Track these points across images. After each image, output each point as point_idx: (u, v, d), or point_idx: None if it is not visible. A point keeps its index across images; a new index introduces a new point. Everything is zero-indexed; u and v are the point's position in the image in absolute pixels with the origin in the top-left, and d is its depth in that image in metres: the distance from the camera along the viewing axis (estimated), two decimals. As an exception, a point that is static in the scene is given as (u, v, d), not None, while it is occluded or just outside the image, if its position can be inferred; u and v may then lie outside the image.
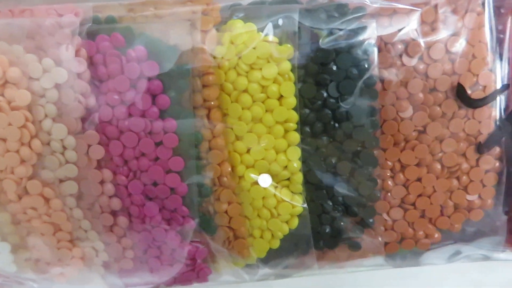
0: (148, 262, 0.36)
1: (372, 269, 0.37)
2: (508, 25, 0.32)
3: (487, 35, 0.31)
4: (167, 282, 0.38)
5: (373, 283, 0.50)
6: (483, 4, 0.31)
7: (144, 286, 0.39)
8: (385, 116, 0.32)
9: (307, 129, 0.33)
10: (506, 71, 0.32)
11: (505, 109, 0.33)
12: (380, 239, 0.35)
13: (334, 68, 0.31)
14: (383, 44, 0.31)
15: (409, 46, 0.31)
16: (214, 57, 0.31)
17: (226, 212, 0.34)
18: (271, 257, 0.36)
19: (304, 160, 0.33)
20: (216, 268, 0.37)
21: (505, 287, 0.50)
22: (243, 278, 0.38)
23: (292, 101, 0.32)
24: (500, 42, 0.32)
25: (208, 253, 0.36)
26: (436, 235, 0.35)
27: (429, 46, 0.31)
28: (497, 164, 0.33)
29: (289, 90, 0.31)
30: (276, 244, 0.36)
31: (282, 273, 0.38)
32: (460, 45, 0.31)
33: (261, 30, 0.31)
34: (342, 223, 0.34)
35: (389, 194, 0.34)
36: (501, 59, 0.32)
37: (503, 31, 0.32)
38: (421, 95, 0.32)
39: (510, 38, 0.32)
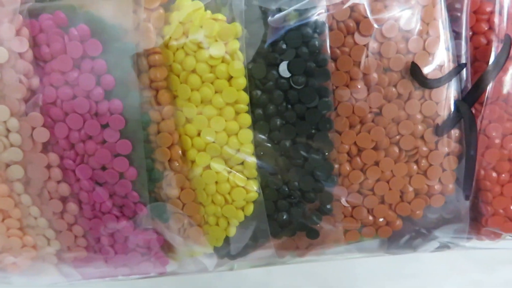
0: (102, 251, 0.35)
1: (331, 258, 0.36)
2: (465, 2, 0.31)
3: (442, 12, 0.30)
4: (125, 273, 0.37)
5: (373, 283, 0.50)
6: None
7: (102, 278, 0.38)
8: (339, 97, 0.31)
9: (259, 111, 0.32)
10: (464, 51, 0.31)
11: (463, 90, 0.32)
12: (339, 226, 0.34)
13: (284, 46, 0.30)
14: (335, 23, 0.31)
15: (361, 24, 0.30)
16: (162, 37, 0.31)
17: (179, 198, 0.33)
18: (228, 246, 0.35)
19: (257, 144, 0.32)
20: (174, 257, 0.36)
21: (505, 287, 0.49)
22: (205, 267, 0.37)
23: (241, 81, 0.31)
24: (457, 20, 0.31)
25: (165, 242, 0.35)
26: (398, 222, 0.34)
27: (381, 24, 0.30)
28: (457, 147, 0.32)
29: (238, 70, 0.30)
30: (232, 232, 0.35)
31: (247, 263, 0.37)
32: (413, 23, 0.30)
33: (207, 7, 0.30)
34: (299, 210, 0.33)
35: (346, 179, 0.33)
36: (459, 38, 0.31)
37: (460, 10, 0.31)
38: (375, 75, 0.31)
39: (467, 17, 0.31)
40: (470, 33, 0.32)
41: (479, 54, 0.32)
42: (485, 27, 0.32)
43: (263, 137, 0.32)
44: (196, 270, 0.37)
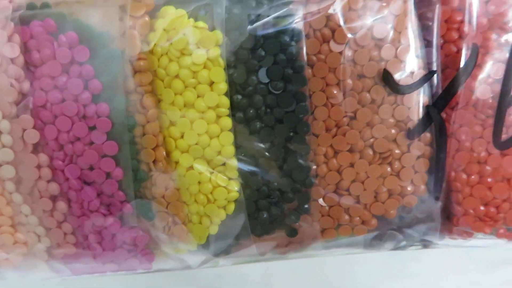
0: (90, 248, 0.36)
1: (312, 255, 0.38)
2: (436, 11, 0.32)
3: (414, 21, 0.32)
4: (113, 269, 0.39)
5: (373, 283, 0.51)
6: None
7: (91, 274, 0.39)
8: (316, 102, 0.33)
9: (240, 114, 0.33)
10: (434, 58, 0.33)
11: (433, 95, 0.33)
12: (317, 225, 0.36)
13: (263, 53, 0.32)
14: (312, 31, 0.32)
15: (336, 33, 0.32)
16: (147, 44, 0.32)
17: (163, 197, 0.35)
18: (212, 244, 0.37)
19: (238, 146, 0.34)
20: (160, 254, 0.38)
21: (505, 287, 0.50)
22: (189, 265, 0.38)
23: (222, 86, 0.32)
24: (429, 29, 0.33)
25: (150, 240, 0.37)
26: (373, 222, 0.36)
27: (355, 32, 0.32)
28: (428, 150, 0.34)
29: (219, 75, 0.32)
30: (214, 230, 0.36)
31: (230, 260, 0.39)
32: (386, 32, 0.32)
33: (190, 15, 0.32)
34: (278, 209, 0.35)
35: (323, 180, 0.34)
36: (430, 46, 0.33)
37: (432, 19, 0.33)
38: (350, 81, 0.32)
39: (438, 25, 0.33)
40: (442, 41, 0.33)
41: (449, 61, 0.33)
42: (455, 35, 0.33)
43: (243, 139, 0.33)
44: (181, 266, 0.39)
